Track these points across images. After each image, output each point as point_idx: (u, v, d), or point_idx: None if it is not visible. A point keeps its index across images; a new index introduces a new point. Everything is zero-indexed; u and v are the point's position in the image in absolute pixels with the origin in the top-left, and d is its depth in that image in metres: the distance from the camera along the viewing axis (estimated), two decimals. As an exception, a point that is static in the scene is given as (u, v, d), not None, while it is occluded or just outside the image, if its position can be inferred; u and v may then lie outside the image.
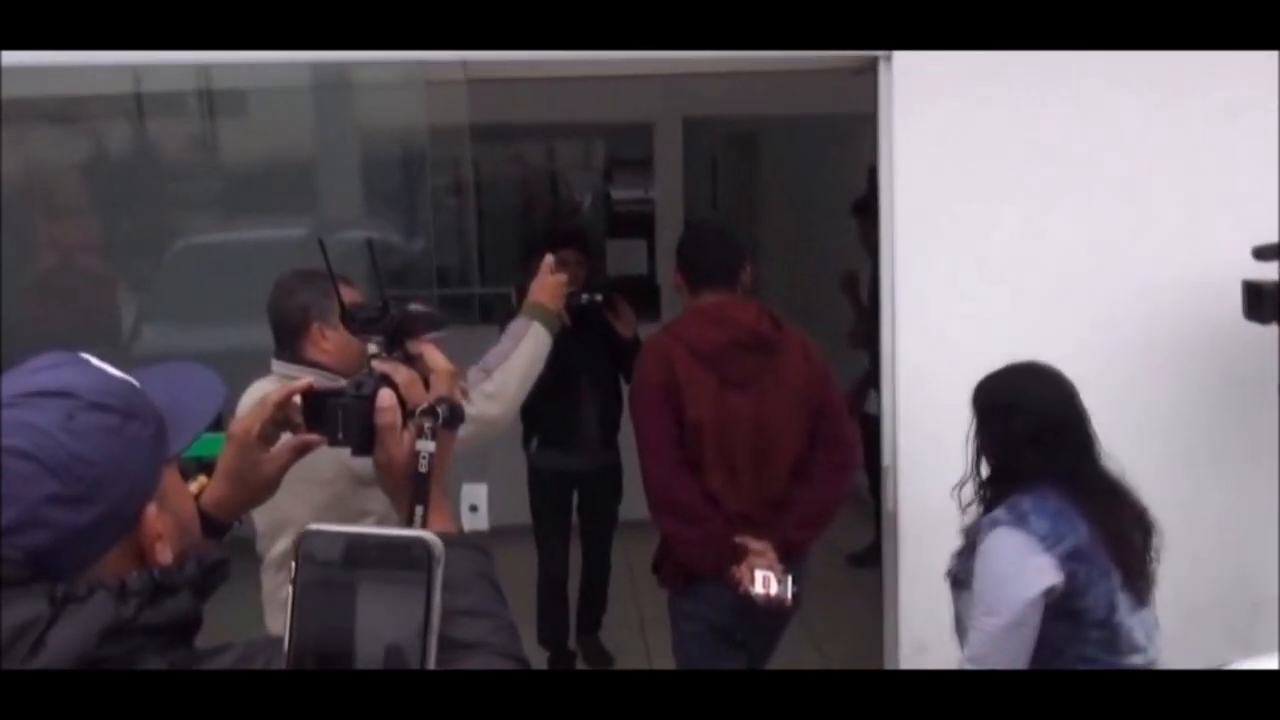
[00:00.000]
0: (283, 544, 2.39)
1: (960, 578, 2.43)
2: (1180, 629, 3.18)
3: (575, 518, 4.60)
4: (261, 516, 2.43)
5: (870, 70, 3.13)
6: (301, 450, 1.45)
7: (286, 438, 1.46)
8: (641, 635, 4.63)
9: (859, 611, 4.22)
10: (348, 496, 2.32)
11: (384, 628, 0.83)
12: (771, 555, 2.90)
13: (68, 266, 3.80)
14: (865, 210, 3.31)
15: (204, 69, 3.11)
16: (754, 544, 2.90)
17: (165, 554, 1.07)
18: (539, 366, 2.64)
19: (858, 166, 4.95)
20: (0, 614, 0.97)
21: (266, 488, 1.45)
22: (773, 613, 2.92)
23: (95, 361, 1.12)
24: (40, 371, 1.09)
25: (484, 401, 2.49)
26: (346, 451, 2.01)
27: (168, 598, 1.02)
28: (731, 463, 2.98)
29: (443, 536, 1.22)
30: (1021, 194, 3.16)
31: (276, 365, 2.51)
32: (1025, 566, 2.27)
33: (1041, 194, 3.16)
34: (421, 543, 0.85)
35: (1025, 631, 2.28)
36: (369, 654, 0.83)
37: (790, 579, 2.87)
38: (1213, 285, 3.13)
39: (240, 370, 2.36)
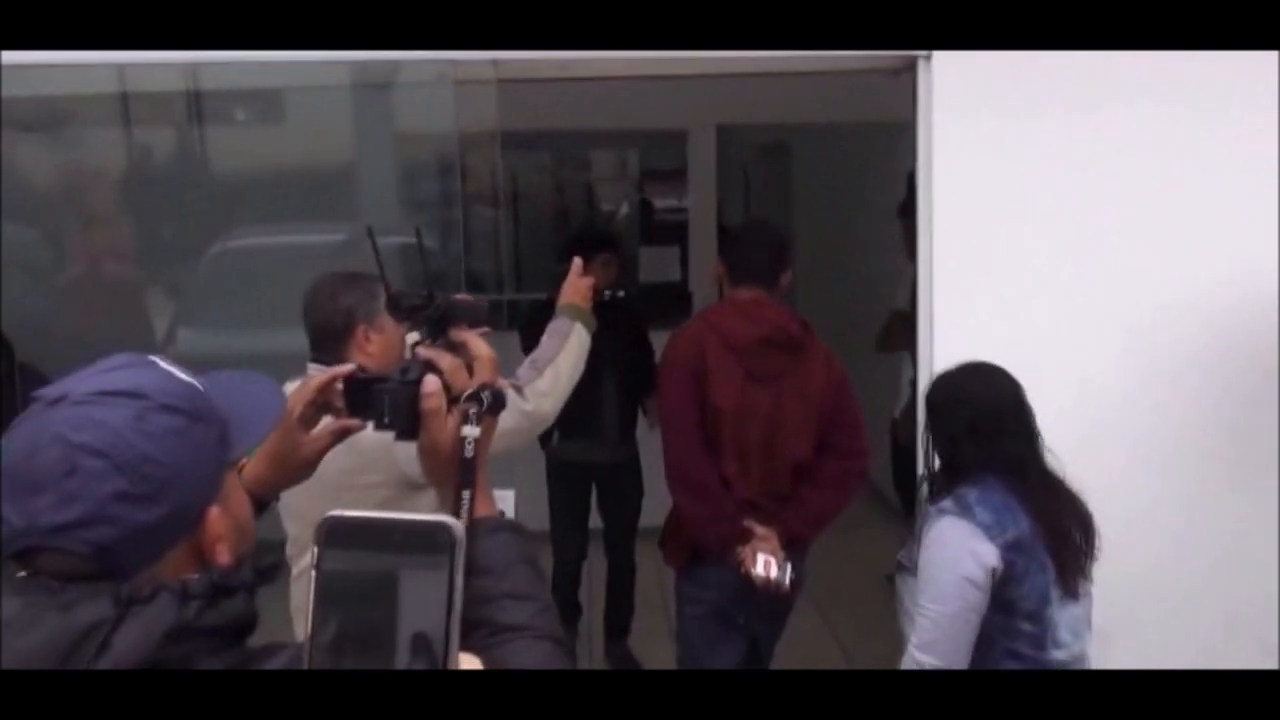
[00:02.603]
0: None
1: (906, 565, 2.54)
2: (1219, 637, 3.15)
3: (597, 520, 4.63)
4: (295, 523, 2.41)
5: (909, 71, 3.09)
6: (341, 435, 1.50)
7: (327, 421, 1.49)
8: (671, 643, 4.60)
9: (891, 625, 4.18)
10: (395, 501, 2.30)
11: (408, 612, 0.83)
12: (775, 542, 3.07)
13: (97, 273, 3.81)
14: (909, 213, 3.28)
15: (235, 70, 3.10)
16: (760, 529, 3.07)
17: (225, 556, 1.10)
18: (583, 364, 2.65)
19: (889, 175, 4.92)
20: (69, 614, 0.99)
21: (305, 468, 1.49)
22: (770, 595, 3.07)
23: (164, 364, 1.14)
24: (111, 371, 1.11)
25: (538, 398, 2.51)
26: (397, 457, 2.04)
27: (226, 600, 1.05)
28: (745, 452, 3.13)
29: (485, 520, 1.29)
30: (1062, 200, 3.11)
31: (313, 368, 2.49)
32: (967, 552, 2.37)
33: (1083, 200, 3.11)
34: (444, 527, 0.84)
35: (971, 617, 2.37)
36: (393, 638, 0.83)
37: (789, 565, 3.03)
38: (1257, 297, 3.09)
39: (275, 375, 2.34)
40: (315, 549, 0.84)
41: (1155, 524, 3.17)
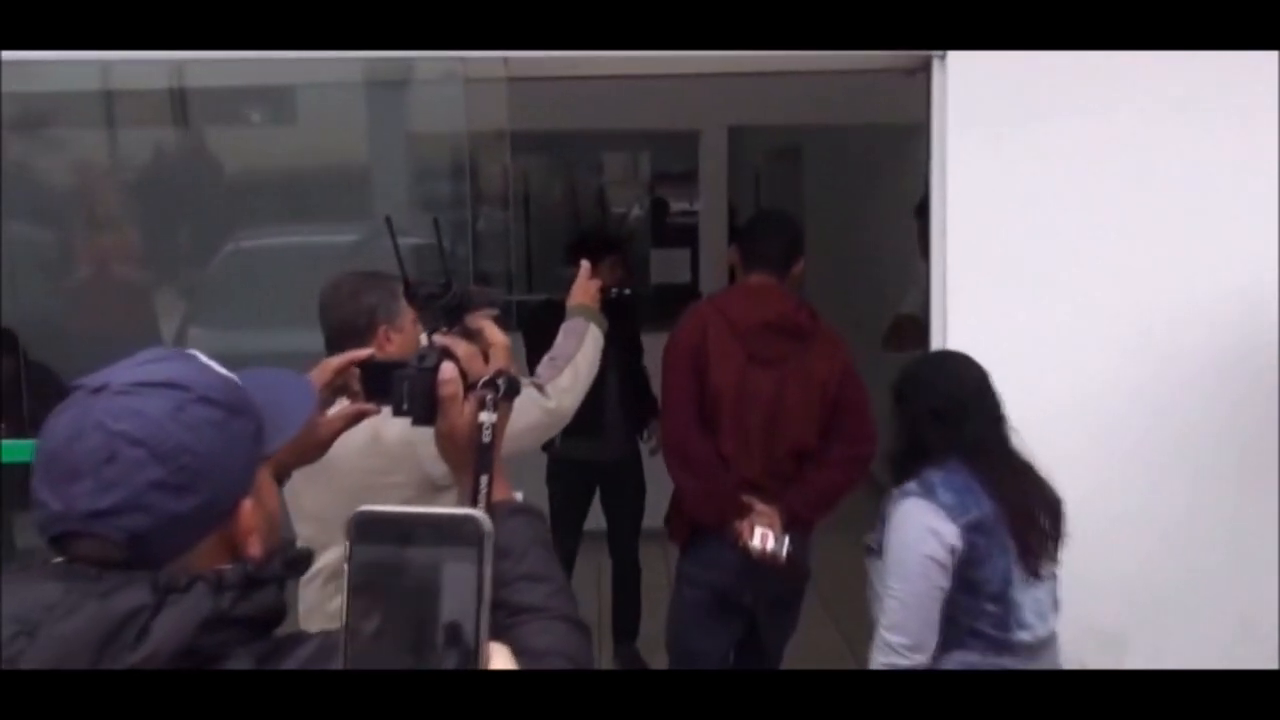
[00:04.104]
0: (337, 552, 2.32)
1: (873, 547, 2.59)
2: (1233, 636, 3.12)
3: (600, 522, 4.63)
4: (309, 524, 2.40)
5: (923, 71, 3.07)
6: (356, 418, 1.54)
7: (342, 403, 1.54)
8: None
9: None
10: (417, 501, 2.30)
11: (439, 603, 0.84)
12: (774, 518, 3.10)
13: (106, 275, 3.82)
14: (926, 214, 3.28)
15: (245, 68, 3.09)
16: (760, 505, 3.12)
17: (255, 548, 1.12)
18: (598, 362, 2.68)
19: (900, 178, 4.89)
20: (109, 600, 1.01)
21: (318, 449, 1.53)
22: (766, 568, 3.09)
23: (202, 358, 1.17)
24: (151, 363, 1.13)
25: (559, 395, 2.52)
26: (420, 458, 2.04)
27: (257, 591, 1.07)
28: (746, 433, 3.18)
29: (502, 504, 1.33)
30: (1076, 201, 3.09)
31: None
32: (929, 532, 2.42)
33: (1097, 201, 3.09)
34: (472, 519, 0.85)
35: (937, 595, 2.43)
36: (425, 629, 0.84)
37: (787, 539, 3.06)
38: (1269, 300, 3.06)
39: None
40: (346, 544, 0.85)
41: (1164, 527, 3.15)
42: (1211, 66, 2.92)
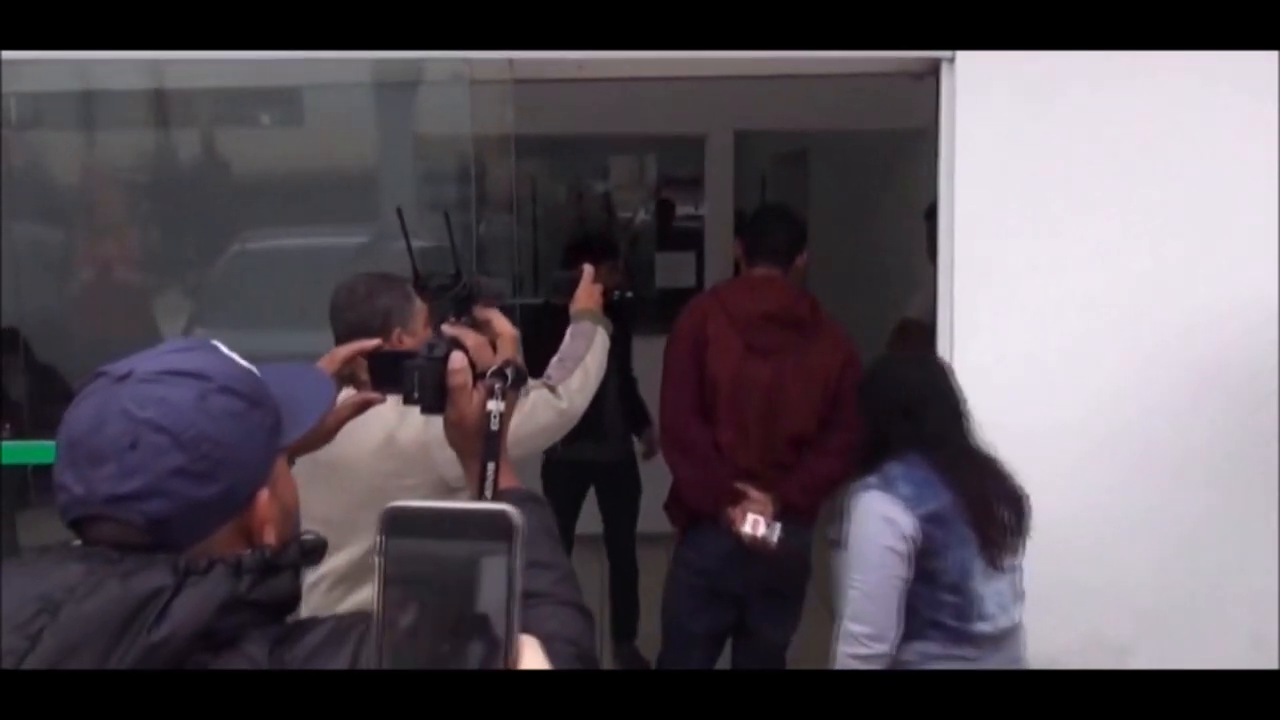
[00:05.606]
0: (345, 556, 2.33)
1: (835, 540, 2.64)
2: (1241, 648, 3.10)
3: (597, 525, 4.63)
4: (317, 527, 2.40)
5: (931, 75, 3.06)
6: (362, 407, 1.57)
7: (349, 392, 1.56)
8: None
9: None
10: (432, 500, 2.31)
11: (470, 596, 0.85)
12: (767, 505, 3.16)
13: (107, 278, 3.82)
14: (936, 217, 3.28)
15: (251, 68, 3.09)
16: (754, 493, 3.17)
17: (271, 536, 1.15)
18: (605, 364, 2.70)
19: (907, 183, 4.89)
20: (130, 581, 1.03)
21: (323, 438, 1.55)
22: (757, 556, 3.14)
23: (224, 349, 1.19)
24: (175, 353, 1.15)
25: (571, 396, 2.55)
26: (435, 460, 2.05)
27: (274, 577, 1.09)
28: (743, 422, 3.23)
29: (509, 492, 1.35)
30: (1085, 206, 3.07)
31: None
32: (887, 523, 2.48)
33: (1106, 205, 3.07)
34: (503, 514, 0.86)
35: (898, 584, 2.48)
36: (456, 621, 0.85)
37: (778, 526, 3.12)
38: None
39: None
40: (379, 538, 0.86)
41: (1171, 537, 3.13)
42: (1233, 65, 2.90)
